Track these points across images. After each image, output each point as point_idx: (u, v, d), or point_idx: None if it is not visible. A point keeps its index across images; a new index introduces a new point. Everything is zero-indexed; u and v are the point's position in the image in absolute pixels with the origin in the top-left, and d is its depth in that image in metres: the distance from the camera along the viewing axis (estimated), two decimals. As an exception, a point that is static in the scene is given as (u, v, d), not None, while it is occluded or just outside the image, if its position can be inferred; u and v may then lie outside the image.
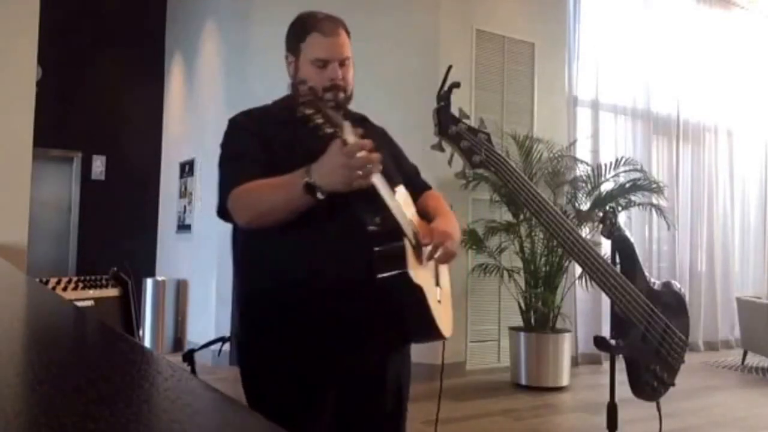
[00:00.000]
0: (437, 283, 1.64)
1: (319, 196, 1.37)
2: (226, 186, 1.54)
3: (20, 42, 3.41)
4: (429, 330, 1.52)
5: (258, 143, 1.57)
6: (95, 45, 6.89)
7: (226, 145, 1.64)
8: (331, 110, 1.31)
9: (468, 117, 1.91)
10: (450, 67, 1.86)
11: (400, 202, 1.52)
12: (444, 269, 1.72)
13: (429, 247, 1.54)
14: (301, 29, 1.65)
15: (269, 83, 6.63)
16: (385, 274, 1.42)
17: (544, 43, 6.18)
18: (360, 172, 1.34)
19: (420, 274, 1.48)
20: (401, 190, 1.59)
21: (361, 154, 1.33)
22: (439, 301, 1.59)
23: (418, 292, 1.45)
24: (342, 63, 1.62)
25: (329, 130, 1.29)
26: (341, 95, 1.61)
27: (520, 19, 6.07)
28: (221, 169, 1.61)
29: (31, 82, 3.50)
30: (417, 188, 1.78)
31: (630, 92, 7.03)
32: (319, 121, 1.28)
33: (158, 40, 7.33)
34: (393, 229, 1.44)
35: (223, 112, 5.81)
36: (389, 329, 1.54)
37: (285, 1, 5.83)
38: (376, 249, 1.43)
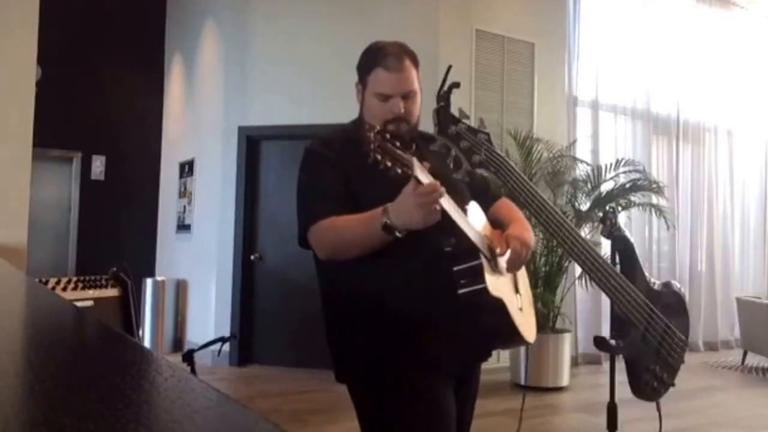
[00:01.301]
0: (517, 291, 1.70)
1: (398, 234, 1.46)
2: (307, 218, 1.61)
3: (20, 42, 3.41)
4: (513, 338, 1.60)
5: (336, 175, 1.63)
6: (95, 45, 6.90)
7: (306, 176, 1.69)
8: (398, 150, 1.35)
9: (468, 117, 1.91)
10: (450, 67, 1.86)
11: (472, 218, 1.59)
12: (523, 276, 1.79)
13: (506, 257, 1.62)
14: (368, 62, 1.71)
15: (268, 83, 6.61)
16: (465, 290, 1.51)
17: (544, 43, 6.18)
18: (434, 209, 1.40)
19: (499, 286, 1.56)
20: (472, 206, 1.65)
21: (433, 194, 1.39)
22: (521, 309, 1.66)
23: (498, 304, 1.52)
24: (406, 96, 1.68)
25: (399, 170, 1.34)
26: (404, 126, 1.66)
27: (520, 19, 6.07)
28: (301, 199, 1.67)
29: (31, 82, 3.50)
30: (488, 200, 1.85)
31: (630, 92, 7.03)
32: (389, 164, 1.33)
33: (158, 40, 7.33)
34: (468, 248, 1.52)
35: (223, 112, 5.82)
36: (475, 341, 1.64)
37: (284, 2, 5.85)
38: (455, 269, 1.51)
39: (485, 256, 1.55)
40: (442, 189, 1.41)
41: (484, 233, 1.63)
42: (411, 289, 1.58)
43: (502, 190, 2.05)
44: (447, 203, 1.46)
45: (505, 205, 1.86)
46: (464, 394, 1.73)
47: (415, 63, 1.73)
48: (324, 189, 1.63)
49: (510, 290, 1.64)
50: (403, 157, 1.35)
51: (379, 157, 1.31)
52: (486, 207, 1.78)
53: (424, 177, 1.40)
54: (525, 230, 1.69)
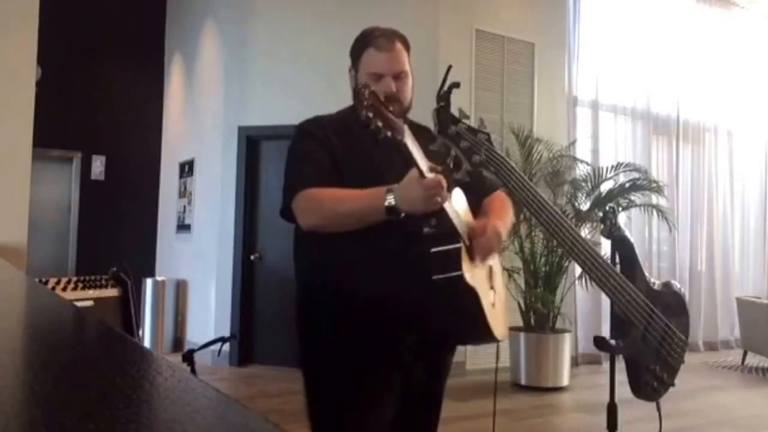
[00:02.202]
0: (491, 287, 1.69)
1: (401, 216, 1.47)
2: (293, 187, 1.61)
3: (20, 42, 3.41)
4: (482, 333, 1.57)
5: (322, 148, 1.65)
6: (95, 45, 6.90)
7: (293, 149, 1.71)
8: (391, 114, 1.35)
9: (468, 117, 1.91)
10: (450, 67, 1.86)
11: (457, 206, 1.58)
12: (498, 274, 1.78)
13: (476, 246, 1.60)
14: (359, 45, 1.74)
15: (269, 83, 6.61)
16: (441, 276, 1.47)
17: (544, 43, 6.18)
18: (436, 200, 1.43)
19: (475, 277, 1.53)
20: (457, 193, 1.65)
21: (438, 188, 1.41)
22: (494, 305, 1.64)
23: (472, 294, 1.50)
24: (397, 76, 1.70)
25: (389, 133, 1.34)
26: (396, 107, 1.67)
27: (520, 19, 6.07)
28: (288, 170, 1.68)
29: (31, 82, 3.50)
30: (481, 191, 1.85)
31: (630, 92, 7.03)
32: (379, 124, 1.32)
33: (158, 40, 7.33)
34: (449, 231, 1.50)
35: (223, 112, 5.82)
36: (445, 332, 1.61)
37: (284, 2, 5.84)
38: (433, 250, 1.49)
39: (464, 243, 1.53)
40: (445, 183, 1.43)
41: (466, 221, 1.62)
42: (386, 270, 1.57)
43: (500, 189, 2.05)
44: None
45: (498, 198, 1.86)
46: (427, 381, 1.72)
47: (407, 46, 1.76)
48: (313, 161, 1.64)
49: (485, 284, 1.63)
50: (395, 122, 1.36)
51: (371, 115, 1.31)
52: (480, 196, 1.80)
53: (420, 157, 1.42)
54: (502, 221, 1.69)
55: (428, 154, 1.51)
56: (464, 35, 5.71)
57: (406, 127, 1.39)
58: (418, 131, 1.75)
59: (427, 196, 1.41)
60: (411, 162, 1.42)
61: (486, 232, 1.59)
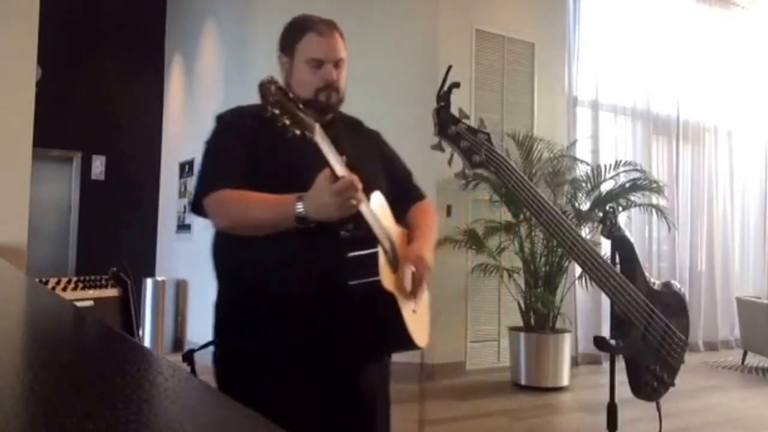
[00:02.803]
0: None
1: (311, 225, 1.40)
2: (208, 184, 1.54)
3: (20, 42, 3.41)
4: (402, 339, 1.48)
5: (242, 142, 1.57)
6: (95, 45, 6.90)
7: (211, 142, 1.64)
8: (300, 111, 1.28)
9: (468, 117, 1.92)
10: (450, 67, 1.86)
11: (376, 208, 1.50)
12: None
13: (408, 273, 1.51)
14: (296, 30, 1.67)
15: (269, 83, 6.56)
16: (356, 282, 1.40)
17: (544, 43, 6.17)
18: (350, 204, 1.36)
19: (391, 282, 1.45)
20: (376, 196, 1.55)
21: (350, 190, 1.34)
22: (415, 311, 1.55)
23: (390, 300, 1.42)
24: (336, 64, 1.63)
25: (297, 131, 1.27)
26: (334, 96, 1.62)
27: (520, 19, 6.07)
28: (205, 165, 1.61)
29: (31, 82, 3.50)
30: (408, 195, 1.77)
31: (630, 92, 7.03)
32: (287, 122, 1.26)
33: (158, 40, 7.33)
34: (365, 236, 1.43)
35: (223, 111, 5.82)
36: (362, 339, 1.51)
37: (284, 2, 5.84)
38: (348, 255, 1.42)
39: (385, 251, 1.46)
40: (359, 184, 1.36)
41: (386, 225, 1.54)
42: (302, 273, 1.49)
43: (502, 191, 2.05)
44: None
45: (422, 210, 1.76)
46: (350, 398, 1.58)
47: (342, 35, 1.69)
48: (230, 159, 1.57)
49: (406, 290, 1.53)
50: (305, 119, 1.28)
51: (277, 111, 1.24)
52: (405, 200, 1.72)
53: (333, 157, 1.34)
54: (427, 245, 1.61)
55: (359, 147, 1.43)
56: (464, 35, 5.71)
57: (317, 126, 1.32)
58: (348, 124, 1.70)
59: (341, 200, 1.33)
60: (325, 163, 1.34)
61: (416, 262, 1.52)
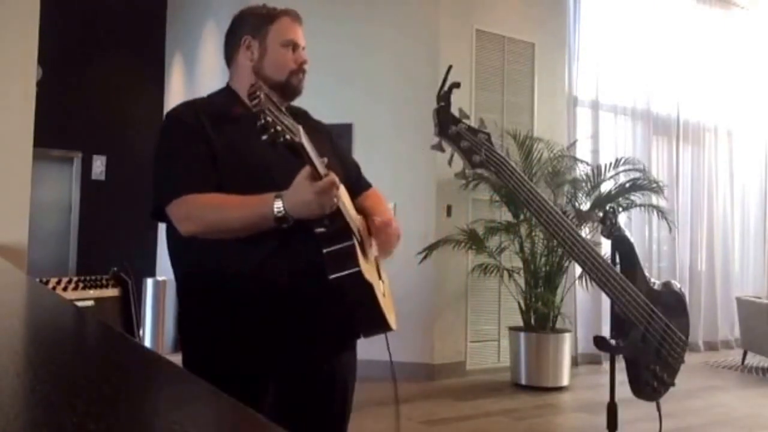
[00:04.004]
0: (380, 277, 1.66)
1: (289, 224, 1.39)
2: (172, 189, 1.47)
3: (20, 42, 3.41)
4: (379, 324, 1.54)
5: (199, 140, 1.50)
6: (95, 45, 6.90)
7: (165, 142, 1.55)
8: (284, 116, 1.28)
9: (468, 117, 1.92)
10: (450, 67, 1.86)
11: (344, 200, 1.51)
12: (382, 262, 1.73)
13: (375, 241, 1.61)
14: (266, 15, 1.65)
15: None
16: (338, 274, 1.43)
17: (544, 43, 6.17)
18: (332, 202, 1.37)
19: (367, 270, 1.49)
20: (341, 188, 1.56)
21: (333, 189, 1.36)
22: (384, 295, 1.61)
23: (369, 289, 1.46)
24: (303, 49, 1.67)
25: (287, 137, 1.26)
26: (303, 81, 1.66)
27: (520, 19, 6.07)
28: (159, 167, 1.53)
29: (31, 82, 3.50)
30: (358, 187, 1.79)
31: (630, 92, 7.03)
32: (278, 128, 1.25)
33: (158, 40, 7.33)
34: (342, 229, 1.45)
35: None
36: (339, 326, 1.56)
37: (284, 2, 5.84)
38: (326, 250, 1.43)
39: (356, 239, 1.48)
40: (339, 182, 1.38)
41: (353, 215, 1.57)
42: (279, 271, 1.47)
43: (502, 191, 2.05)
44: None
45: (374, 196, 1.80)
46: (325, 387, 1.60)
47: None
48: (192, 160, 1.49)
49: (375, 276, 1.58)
50: (293, 125, 1.29)
51: (269, 120, 1.23)
52: (357, 191, 1.75)
53: (315, 157, 1.35)
54: (388, 216, 1.67)
55: (317, 141, 1.43)
56: (464, 35, 5.71)
57: (300, 128, 1.31)
58: (299, 114, 1.68)
59: (325, 199, 1.35)
60: (307, 163, 1.34)
61: (388, 228, 1.60)
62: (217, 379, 1.54)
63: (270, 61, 1.61)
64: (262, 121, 1.23)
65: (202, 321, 1.55)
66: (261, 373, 1.52)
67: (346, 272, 1.43)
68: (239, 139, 1.48)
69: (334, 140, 1.82)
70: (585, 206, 5.43)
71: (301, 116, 1.67)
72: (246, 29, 1.64)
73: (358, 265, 1.43)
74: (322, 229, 1.44)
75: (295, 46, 1.62)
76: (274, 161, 1.41)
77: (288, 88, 1.62)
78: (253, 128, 1.25)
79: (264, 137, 1.24)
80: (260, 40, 1.62)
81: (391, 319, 1.58)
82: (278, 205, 1.36)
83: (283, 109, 1.30)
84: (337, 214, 1.42)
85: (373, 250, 1.65)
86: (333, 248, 1.43)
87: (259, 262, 1.47)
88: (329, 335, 1.56)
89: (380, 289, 1.58)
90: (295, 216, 1.37)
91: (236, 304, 1.49)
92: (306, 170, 1.34)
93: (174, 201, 1.45)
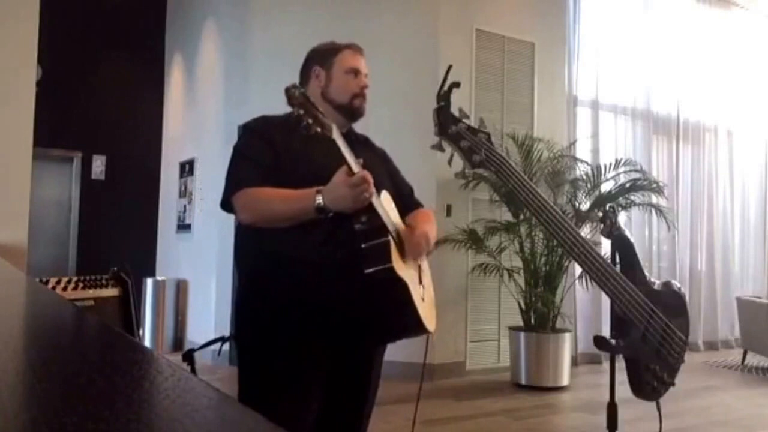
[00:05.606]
0: (420, 282, 1.77)
1: (329, 215, 1.57)
2: (235, 183, 1.71)
3: (20, 42, 3.41)
4: (413, 323, 1.65)
5: (267, 147, 1.74)
6: (95, 45, 6.90)
7: (240, 145, 1.81)
8: (320, 113, 1.46)
9: (468, 117, 1.92)
10: (450, 67, 1.87)
11: (385, 204, 1.68)
12: (427, 272, 1.86)
13: (406, 247, 1.71)
14: (334, 46, 1.89)
15: (269, 83, 6.60)
16: (371, 269, 1.55)
17: (544, 43, 6.17)
18: (364, 197, 1.54)
19: (404, 270, 1.62)
20: (385, 194, 1.75)
21: (364, 185, 1.52)
22: (423, 299, 1.72)
23: (401, 285, 1.58)
24: (365, 76, 1.88)
25: (318, 130, 1.44)
26: (364, 104, 1.85)
27: (520, 19, 6.07)
28: (233, 166, 1.77)
29: (31, 82, 3.50)
30: (410, 206, 1.95)
31: (630, 92, 7.03)
32: (310, 121, 1.43)
33: (158, 40, 7.33)
34: (378, 226, 1.59)
35: (223, 112, 5.82)
36: (377, 323, 1.70)
37: (284, 2, 5.84)
38: (363, 246, 1.57)
39: (394, 240, 1.62)
40: (371, 179, 1.53)
41: (394, 219, 1.73)
42: (326, 262, 1.64)
43: (502, 191, 2.06)
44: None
45: (422, 213, 1.96)
46: (362, 381, 1.80)
47: None
48: (254, 159, 1.74)
49: (414, 279, 1.70)
50: (324, 120, 1.46)
51: (302, 112, 1.42)
52: (406, 207, 1.91)
53: (349, 155, 1.51)
54: (431, 229, 1.83)
55: (370, 160, 1.61)
56: (464, 35, 5.71)
57: (334, 126, 1.49)
58: (359, 139, 1.92)
59: (356, 193, 1.52)
60: (341, 158, 1.51)
61: (415, 233, 1.73)
62: (276, 348, 1.67)
63: (335, 86, 1.84)
64: (296, 113, 1.42)
65: (267, 298, 1.72)
66: (307, 363, 1.67)
67: (380, 267, 1.55)
68: (302, 147, 1.70)
69: (390, 163, 2.05)
70: (585, 206, 5.43)
71: (362, 140, 1.94)
72: (316, 61, 1.88)
73: (390, 261, 1.55)
74: (360, 226, 1.58)
75: (357, 73, 1.85)
76: (327, 165, 1.58)
77: (351, 109, 1.84)
78: (314, 140, 1.46)
79: (302, 125, 1.42)
80: (327, 69, 1.86)
81: (428, 321, 1.70)
82: (318, 198, 1.56)
83: (320, 109, 1.48)
84: (374, 213, 1.57)
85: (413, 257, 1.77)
86: (368, 244, 1.57)
87: (311, 247, 1.65)
88: (365, 331, 1.71)
89: (418, 292, 1.69)
90: (333, 208, 1.56)
91: (294, 283, 1.66)
92: (343, 168, 1.52)
93: (237, 193, 1.69)
